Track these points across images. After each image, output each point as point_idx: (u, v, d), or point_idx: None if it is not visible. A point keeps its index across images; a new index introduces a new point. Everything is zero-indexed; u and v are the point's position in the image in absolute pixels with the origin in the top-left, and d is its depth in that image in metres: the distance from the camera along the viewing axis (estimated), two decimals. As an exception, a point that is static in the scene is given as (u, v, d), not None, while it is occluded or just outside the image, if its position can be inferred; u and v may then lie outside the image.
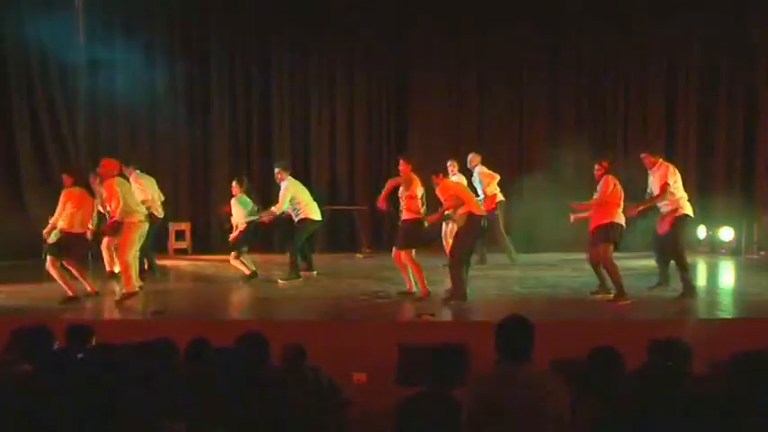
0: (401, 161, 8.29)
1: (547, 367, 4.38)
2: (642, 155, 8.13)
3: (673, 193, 7.86)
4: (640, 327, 6.84)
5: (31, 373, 4.06)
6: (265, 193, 10.30)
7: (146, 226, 8.16)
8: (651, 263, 9.00)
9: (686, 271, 7.89)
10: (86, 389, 3.24)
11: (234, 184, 9.45)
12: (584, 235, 8.26)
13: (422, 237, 8.34)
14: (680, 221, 7.90)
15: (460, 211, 7.72)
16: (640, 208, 7.97)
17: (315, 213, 9.47)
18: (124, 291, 7.90)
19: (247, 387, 3.60)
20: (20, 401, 3.37)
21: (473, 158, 10.71)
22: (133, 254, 7.99)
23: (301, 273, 9.36)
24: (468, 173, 10.57)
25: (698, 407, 3.62)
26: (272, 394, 3.86)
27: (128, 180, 8.93)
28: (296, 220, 9.42)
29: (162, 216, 9.76)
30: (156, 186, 9.79)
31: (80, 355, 4.22)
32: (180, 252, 12.66)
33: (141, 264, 9.55)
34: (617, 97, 13.27)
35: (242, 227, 9.18)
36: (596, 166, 8.09)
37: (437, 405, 3.80)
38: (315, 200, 9.66)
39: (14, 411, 3.32)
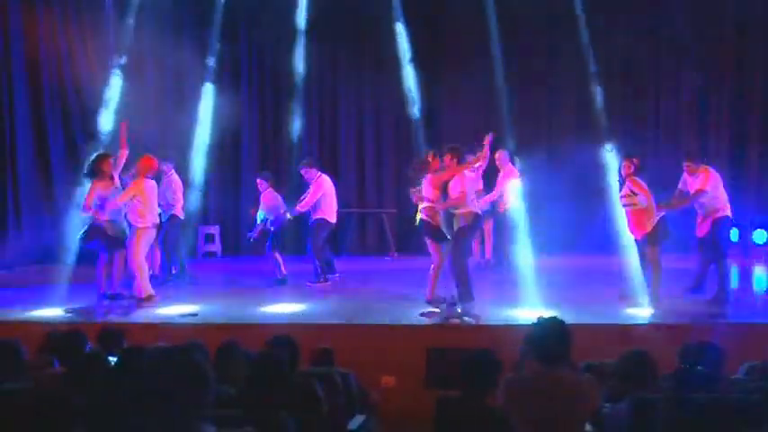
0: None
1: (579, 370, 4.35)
2: (685, 163, 7.98)
3: (713, 197, 7.75)
4: (672, 330, 6.77)
5: (64, 374, 4.12)
6: (295, 198, 10.32)
7: (153, 232, 8.29)
8: (681, 265, 8.90)
9: (725, 274, 7.78)
10: (118, 390, 3.28)
11: (260, 181, 9.57)
12: (612, 235, 8.21)
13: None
14: (719, 223, 7.80)
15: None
16: (667, 209, 7.87)
17: (333, 215, 9.49)
18: (141, 296, 8.01)
19: (277, 390, 3.61)
20: (52, 402, 3.41)
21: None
22: (143, 258, 8.08)
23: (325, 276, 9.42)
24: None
25: (730, 411, 3.57)
26: (302, 397, 3.88)
27: (160, 177, 9.21)
28: (312, 218, 9.44)
29: (183, 217, 9.87)
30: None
31: (112, 358, 4.28)
32: (210, 255, 12.75)
33: (169, 266, 9.70)
34: (647, 97, 13.12)
35: (273, 225, 9.29)
36: (625, 162, 7.84)
37: (474, 409, 3.80)
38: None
39: (44, 412, 3.36)
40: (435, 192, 7.68)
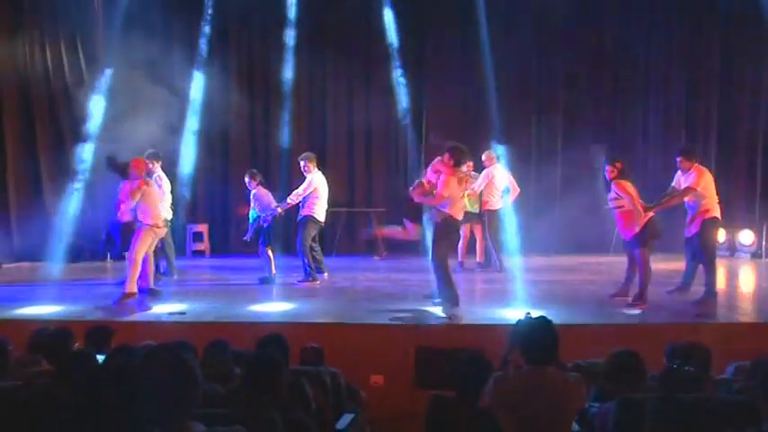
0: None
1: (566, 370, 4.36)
2: (678, 158, 7.98)
3: (703, 197, 7.78)
4: (660, 330, 6.79)
5: (53, 373, 4.10)
6: (283, 194, 10.35)
7: (161, 231, 8.35)
8: (669, 266, 8.94)
9: (712, 274, 7.80)
10: (105, 389, 3.26)
11: (247, 179, 9.54)
12: (601, 236, 8.25)
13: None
14: (708, 224, 7.83)
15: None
16: (658, 209, 7.90)
17: (321, 213, 9.49)
18: (125, 291, 8.02)
19: (266, 389, 3.61)
20: (37, 401, 3.40)
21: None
22: (143, 255, 8.10)
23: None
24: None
25: (717, 411, 3.59)
26: (290, 396, 3.87)
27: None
28: (300, 214, 9.45)
29: (170, 217, 9.85)
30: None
31: (100, 357, 4.26)
32: (198, 254, 12.72)
33: (157, 264, 9.67)
34: (637, 98, 13.19)
35: (265, 222, 9.27)
36: (608, 167, 7.87)
37: (467, 410, 3.81)
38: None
39: (31, 410, 3.35)
40: (434, 176, 7.59)
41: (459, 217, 7.64)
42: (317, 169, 9.57)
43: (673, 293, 8.15)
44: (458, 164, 7.53)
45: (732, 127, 12.91)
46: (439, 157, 7.68)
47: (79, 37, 11.89)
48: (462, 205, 7.85)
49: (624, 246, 8.09)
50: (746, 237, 12.01)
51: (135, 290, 8.06)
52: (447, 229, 7.49)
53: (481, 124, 12.97)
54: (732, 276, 10.48)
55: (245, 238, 9.70)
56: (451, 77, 13.06)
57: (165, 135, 12.69)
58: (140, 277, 8.23)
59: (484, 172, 10.41)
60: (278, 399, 3.56)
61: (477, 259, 10.65)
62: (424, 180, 7.72)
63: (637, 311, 7.45)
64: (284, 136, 13.20)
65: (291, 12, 12.74)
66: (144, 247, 8.12)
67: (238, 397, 3.64)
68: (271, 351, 4.12)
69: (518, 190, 10.55)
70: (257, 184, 9.48)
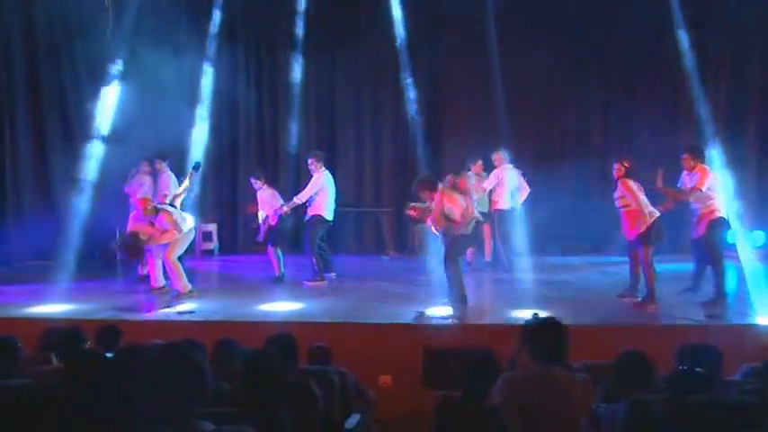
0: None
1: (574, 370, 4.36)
2: (684, 156, 7.95)
3: (709, 197, 7.73)
4: (669, 331, 6.78)
5: (63, 371, 4.12)
6: (291, 194, 10.37)
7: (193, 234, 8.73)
8: (679, 266, 8.89)
9: (721, 275, 7.75)
10: (114, 388, 3.28)
11: (253, 179, 9.58)
12: (610, 236, 8.23)
13: None
14: (714, 224, 7.78)
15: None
16: (664, 210, 7.88)
17: (329, 212, 9.49)
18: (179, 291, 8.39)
19: (275, 388, 3.61)
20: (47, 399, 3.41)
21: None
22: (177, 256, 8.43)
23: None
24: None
25: (728, 412, 3.58)
26: (298, 395, 3.88)
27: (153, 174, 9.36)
28: (308, 213, 9.46)
29: None
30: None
31: (109, 355, 4.27)
32: (207, 253, 12.75)
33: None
34: (647, 96, 13.13)
35: (273, 221, 9.29)
36: (616, 166, 7.90)
37: (475, 410, 3.81)
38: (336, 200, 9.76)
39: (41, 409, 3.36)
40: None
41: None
42: (324, 168, 9.58)
43: (682, 294, 8.12)
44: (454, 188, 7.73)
45: (741, 128, 12.83)
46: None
47: (89, 36, 11.93)
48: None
49: (628, 245, 8.06)
50: (757, 238, 11.92)
51: (187, 288, 8.39)
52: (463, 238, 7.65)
53: (491, 124, 12.92)
54: (742, 277, 10.42)
55: (256, 239, 9.71)
56: (461, 77, 13.03)
57: (174, 133, 12.75)
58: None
59: (494, 172, 10.41)
60: (284, 397, 3.56)
61: (486, 259, 10.64)
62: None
63: (648, 312, 7.45)
64: (293, 135, 13.21)
65: (301, 12, 12.74)
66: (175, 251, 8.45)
67: (241, 395, 3.65)
68: (270, 349, 4.12)
69: (528, 189, 10.54)
70: (263, 184, 9.51)
